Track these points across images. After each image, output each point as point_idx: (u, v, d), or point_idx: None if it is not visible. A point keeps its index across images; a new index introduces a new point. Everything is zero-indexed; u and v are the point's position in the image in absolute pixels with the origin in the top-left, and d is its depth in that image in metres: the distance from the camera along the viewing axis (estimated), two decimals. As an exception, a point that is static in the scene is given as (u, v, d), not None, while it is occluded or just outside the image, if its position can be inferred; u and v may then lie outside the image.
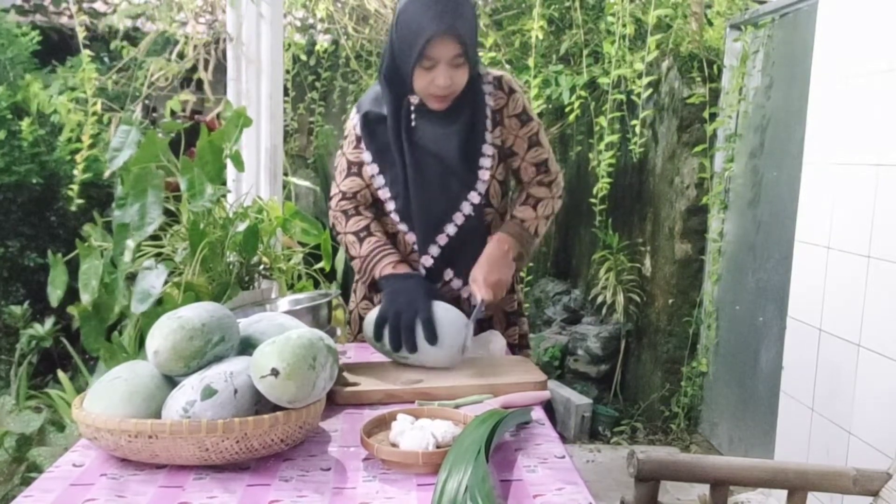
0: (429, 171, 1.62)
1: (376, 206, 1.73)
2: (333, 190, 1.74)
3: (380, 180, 1.68)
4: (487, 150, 1.65)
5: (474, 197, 1.65)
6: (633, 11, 3.40)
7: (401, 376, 1.43)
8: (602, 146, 3.45)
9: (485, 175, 1.65)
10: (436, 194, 1.64)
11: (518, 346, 1.84)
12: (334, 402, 1.32)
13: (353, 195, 1.71)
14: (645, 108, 3.47)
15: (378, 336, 1.50)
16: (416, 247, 1.69)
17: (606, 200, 3.66)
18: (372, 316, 1.53)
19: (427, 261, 1.67)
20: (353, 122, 1.71)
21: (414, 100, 1.61)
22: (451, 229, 1.65)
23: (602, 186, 3.53)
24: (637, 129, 3.35)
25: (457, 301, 1.68)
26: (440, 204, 1.65)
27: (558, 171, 1.76)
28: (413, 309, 1.47)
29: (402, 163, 1.62)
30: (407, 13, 1.49)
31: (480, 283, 1.57)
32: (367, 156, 1.68)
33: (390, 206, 1.68)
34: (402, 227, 1.68)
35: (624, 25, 3.29)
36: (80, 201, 3.23)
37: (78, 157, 3.20)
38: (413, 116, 1.61)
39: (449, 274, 1.69)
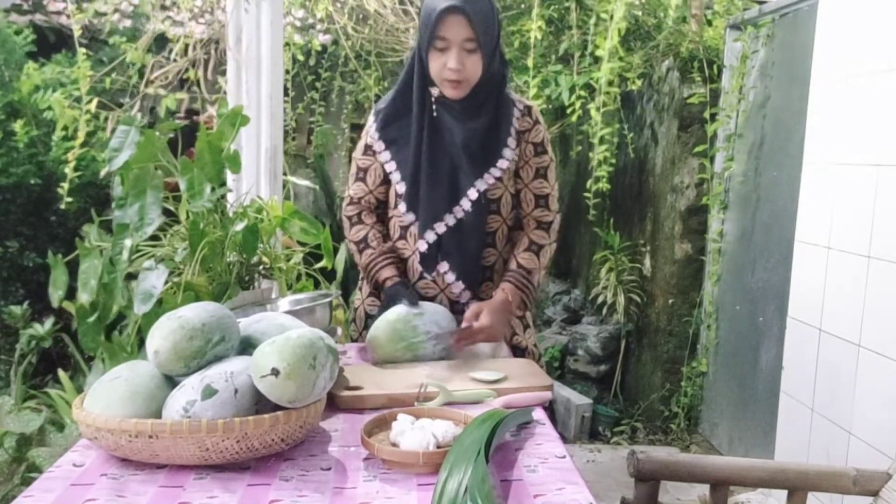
0: (440, 161, 1.70)
1: (380, 208, 1.82)
2: (346, 193, 1.86)
3: (391, 166, 1.76)
4: (503, 163, 1.73)
5: (472, 193, 1.71)
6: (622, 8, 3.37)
7: (403, 380, 1.42)
8: (596, 140, 3.44)
9: (490, 179, 1.72)
10: (442, 184, 1.71)
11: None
12: (336, 407, 1.32)
13: (357, 200, 1.82)
14: (645, 106, 3.45)
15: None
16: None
17: (606, 199, 3.64)
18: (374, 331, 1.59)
19: (422, 245, 1.74)
20: (367, 126, 1.82)
21: (434, 92, 1.70)
22: (450, 220, 1.72)
23: (600, 181, 3.48)
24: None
25: (453, 305, 1.75)
26: (444, 194, 1.71)
27: (557, 213, 1.82)
28: (400, 298, 1.64)
29: (417, 150, 1.70)
30: None
31: (488, 328, 1.62)
32: (379, 145, 1.77)
33: (400, 188, 1.75)
34: (410, 216, 1.75)
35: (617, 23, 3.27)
36: (70, 199, 3.19)
37: (70, 156, 3.17)
38: (434, 108, 1.71)
39: (444, 267, 1.74)
